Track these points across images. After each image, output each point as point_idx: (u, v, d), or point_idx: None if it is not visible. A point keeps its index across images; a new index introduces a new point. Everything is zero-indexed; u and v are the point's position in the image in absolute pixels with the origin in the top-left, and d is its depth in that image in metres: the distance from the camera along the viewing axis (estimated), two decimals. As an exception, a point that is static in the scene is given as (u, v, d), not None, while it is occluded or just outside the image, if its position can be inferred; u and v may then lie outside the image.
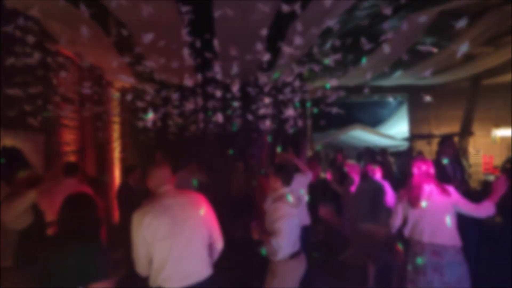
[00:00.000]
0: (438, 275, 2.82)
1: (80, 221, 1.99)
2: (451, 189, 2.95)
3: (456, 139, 9.75)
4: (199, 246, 2.27)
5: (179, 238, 2.16)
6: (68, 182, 3.77)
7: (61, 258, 1.88)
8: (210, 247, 2.39)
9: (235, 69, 4.09)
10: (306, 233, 3.67)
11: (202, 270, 2.27)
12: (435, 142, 10.54)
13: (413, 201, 2.98)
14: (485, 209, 2.83)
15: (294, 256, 2.83)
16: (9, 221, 2.69)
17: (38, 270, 1.94)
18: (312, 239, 6.11)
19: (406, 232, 3.08)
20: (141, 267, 2.20)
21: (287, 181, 2.96)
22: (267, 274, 2.94)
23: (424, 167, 3.05)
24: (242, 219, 6.49)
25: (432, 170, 3.06)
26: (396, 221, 3.15)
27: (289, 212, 2.77)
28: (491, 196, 2.84)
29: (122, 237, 5.64)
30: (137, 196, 4.55)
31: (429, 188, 2.97)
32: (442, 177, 3.31)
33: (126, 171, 4.94)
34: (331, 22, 4.24)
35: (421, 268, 2.91)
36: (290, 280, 2.83)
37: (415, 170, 3.07)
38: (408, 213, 3.05)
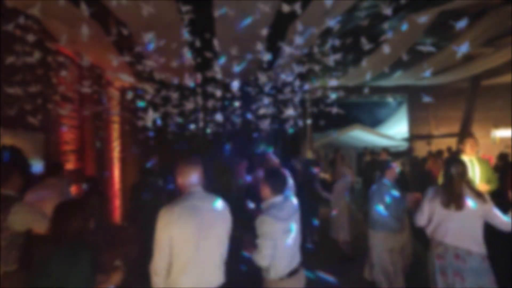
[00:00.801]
0: (459, 279, 2.73)
1: (63, 229, 2.01)
2: (486, 196, 2.83)
3: (455, 139, 9.77)
4: (219, 253, 2.19)
5: (203, 243, 2.07)
6: (49, 181, 3.76)
7: (50, 263, 1.93)
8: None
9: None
10: None
11: (218, 278, 2.19)
12: (434, 142, 10.57)
13: (452, 203, 2.82)
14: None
15: (290, 274, 2.52)
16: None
17: (31, 274, 1.96)
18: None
19: (428, 231, 2.97)
20: (159, 267, 2.03)
21: (278, 188, 2.61)
22: None
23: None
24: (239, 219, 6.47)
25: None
26: (421, 218, 3.00)
27: (274, 229, 2.43)
28: None
29: (127, 234, 5.71)
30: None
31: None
32: None
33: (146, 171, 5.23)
34: (331, 22, 4.25)
35: (441, 269, 2.84)
36: None
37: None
38: (435, 212, 2.91)
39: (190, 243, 2.04)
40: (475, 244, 2.75)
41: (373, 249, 4.03)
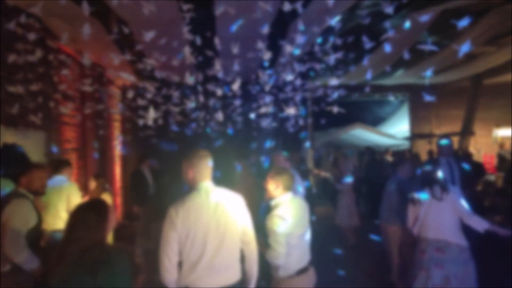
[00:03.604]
0: (439, 269, 2.93)
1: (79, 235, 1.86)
2: (455, 189, 3.12)
3: (457, 138, 9.75)
4: (232, 250, 2.12)
5: (214, 240, 2.03)
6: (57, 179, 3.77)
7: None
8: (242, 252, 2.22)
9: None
10: None
11: (233, 274, 2.12)
12: (435, 141, 10.54)
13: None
14: (478, 222, 2.90)
15: (300, 272, 2.49)
16: None
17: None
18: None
19: (414, 230, 3.21)
20: (167, 269, 2.00)
21: (289, 185, 2.60)
22: None
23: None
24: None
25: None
26: (408, 223, 3.28)
27: (284, 227, 2.40)
28: (492, 225, 2.94)
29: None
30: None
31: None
32: None
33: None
34: (333, 21, 4.24)
35: (419, 264, 3.07)
36: None
37: None
38: (419, 210, 3.17)
39: (198, 242, 2.00)
40: (453, 235, 2.96)
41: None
